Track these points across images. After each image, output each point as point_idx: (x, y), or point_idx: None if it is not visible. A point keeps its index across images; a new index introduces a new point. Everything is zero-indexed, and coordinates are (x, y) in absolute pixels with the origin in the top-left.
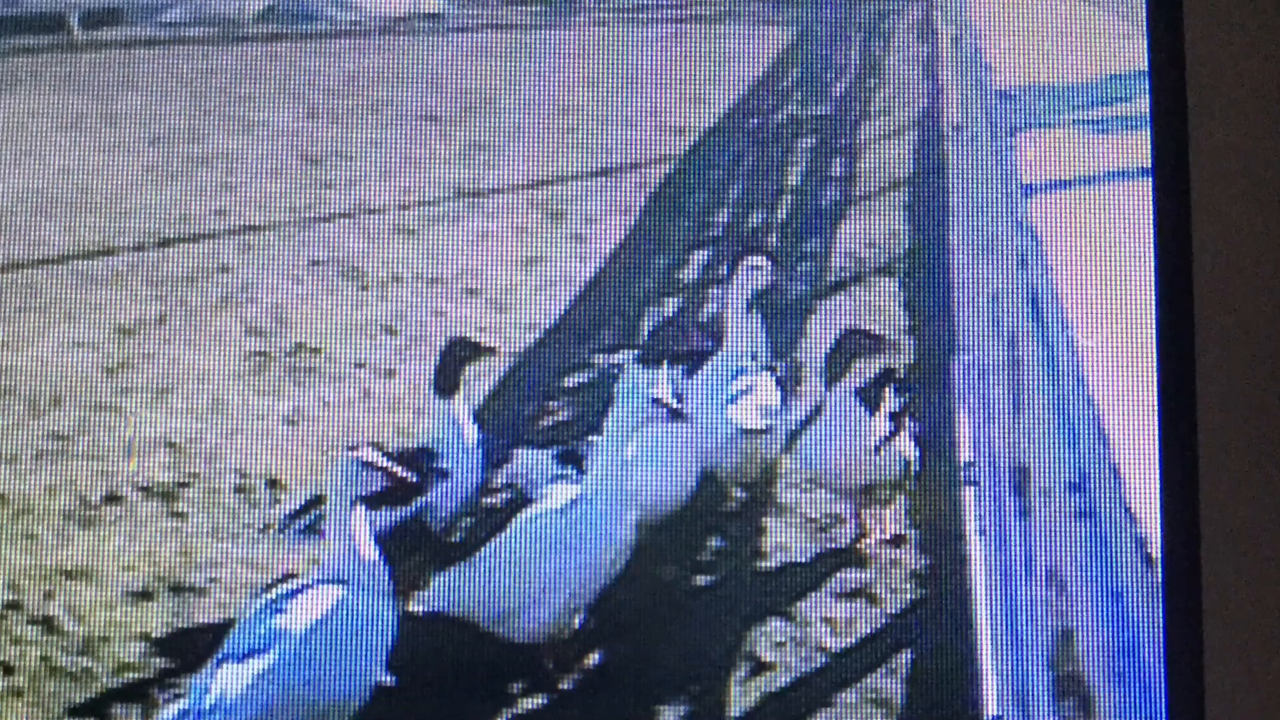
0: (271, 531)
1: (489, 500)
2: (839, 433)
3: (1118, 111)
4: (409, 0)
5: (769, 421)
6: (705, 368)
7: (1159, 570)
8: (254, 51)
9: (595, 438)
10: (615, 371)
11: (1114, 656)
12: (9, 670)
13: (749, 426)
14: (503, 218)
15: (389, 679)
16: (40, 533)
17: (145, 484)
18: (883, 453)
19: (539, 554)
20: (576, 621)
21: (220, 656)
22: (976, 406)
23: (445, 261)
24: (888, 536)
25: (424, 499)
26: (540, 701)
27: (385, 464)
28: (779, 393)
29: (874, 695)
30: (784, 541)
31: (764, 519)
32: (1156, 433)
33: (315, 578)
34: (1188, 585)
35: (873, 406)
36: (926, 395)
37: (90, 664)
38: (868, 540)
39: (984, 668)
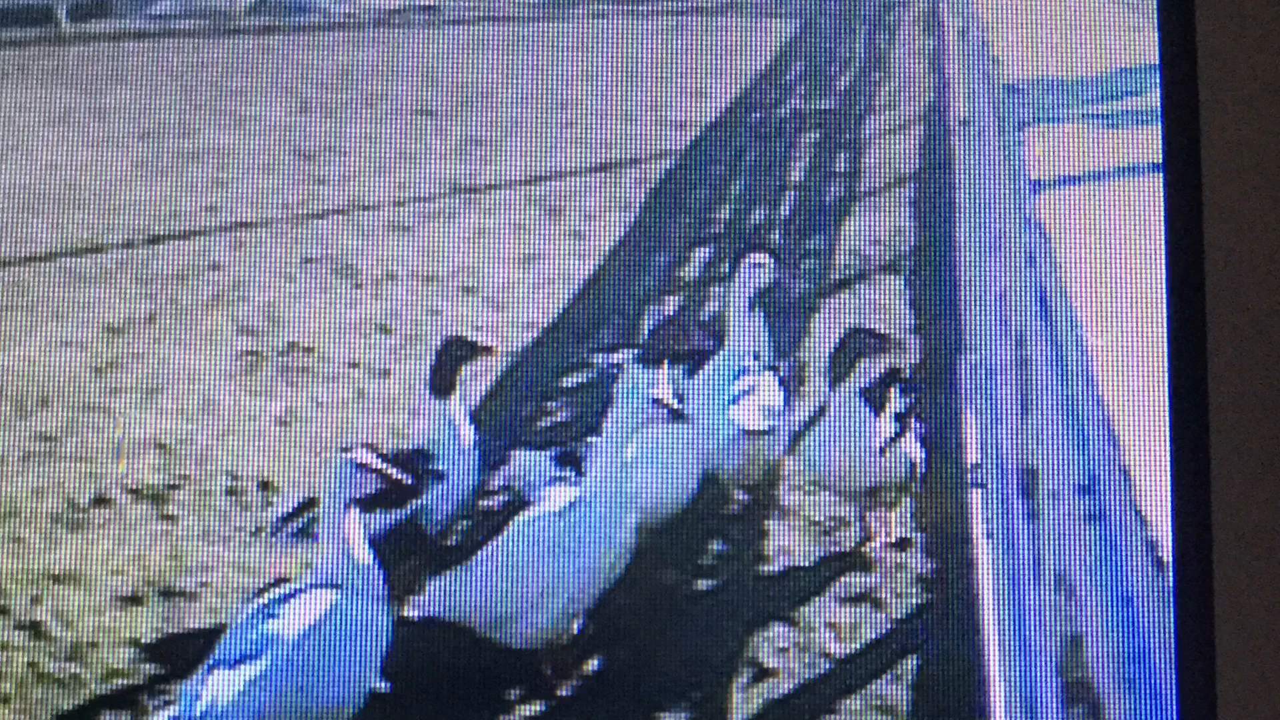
0: (264, 535)
1: (486, 503)
2: (843, 434)
3: (1128, 106)
4: None
5: (772, 422)
6: (706, 367)
7: (1170, 574)
8: (245, 44)
9: (594, 439)
10: (615, 371)
11: (1124, 662)
12: None
13: (751, 427)
14: (500, 214)
15: (383, 685)
16: (27, 536)
17: (135, 486)
18: (888, 454)
19: (537, 557)
20: (575, 626)
21: (211, 662)
22: (984, 407)
23: (441, 259)
24: (893, 540)
25: (419, 501)
26: (538, 708)
27: (380, 466)
28: (782, 393)
29: (879, 702)
30: (787, 545)
31: (766, 522)
32: (1167, 434)
33: (308, 582)
34: (1199, 589)
35: (878, 407)
36: (932, 395)
37: (79, 670)
38: (872, 544)
39: (991, 674)
